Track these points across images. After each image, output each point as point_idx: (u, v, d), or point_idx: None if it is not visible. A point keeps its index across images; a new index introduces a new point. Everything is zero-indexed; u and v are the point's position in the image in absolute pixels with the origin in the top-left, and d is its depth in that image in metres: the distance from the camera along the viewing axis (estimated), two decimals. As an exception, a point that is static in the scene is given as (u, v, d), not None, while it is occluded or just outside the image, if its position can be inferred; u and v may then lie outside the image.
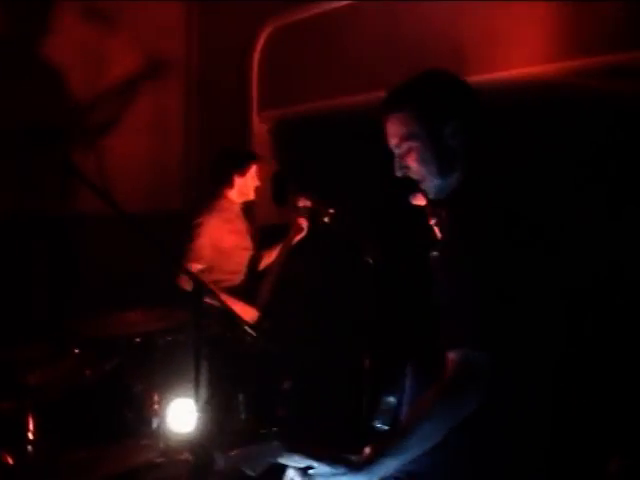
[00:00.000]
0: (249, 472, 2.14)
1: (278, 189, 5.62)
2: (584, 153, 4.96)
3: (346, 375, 4.41)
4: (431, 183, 2.31)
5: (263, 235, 5.32)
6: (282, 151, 6.44)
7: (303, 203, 4.96)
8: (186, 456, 4.27)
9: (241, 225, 5.17)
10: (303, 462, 2.07)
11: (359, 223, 4.50)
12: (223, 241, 4.98)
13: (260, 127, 6.45)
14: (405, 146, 2.28)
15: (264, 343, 4.60)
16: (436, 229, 3.26)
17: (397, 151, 2.32)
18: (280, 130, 6.46)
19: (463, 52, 4.94)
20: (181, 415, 4.51)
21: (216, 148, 5.91)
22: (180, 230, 4.95)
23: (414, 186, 2.47)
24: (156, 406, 4.50)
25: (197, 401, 4.46)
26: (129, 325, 4.54)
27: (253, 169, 5.11)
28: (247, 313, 4.83)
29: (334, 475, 2.03)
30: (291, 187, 5.09)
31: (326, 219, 4.76)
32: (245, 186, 5.10)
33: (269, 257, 5.17)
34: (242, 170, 5.07)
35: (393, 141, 2.32)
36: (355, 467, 2.01)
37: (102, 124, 6.15)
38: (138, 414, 4.51)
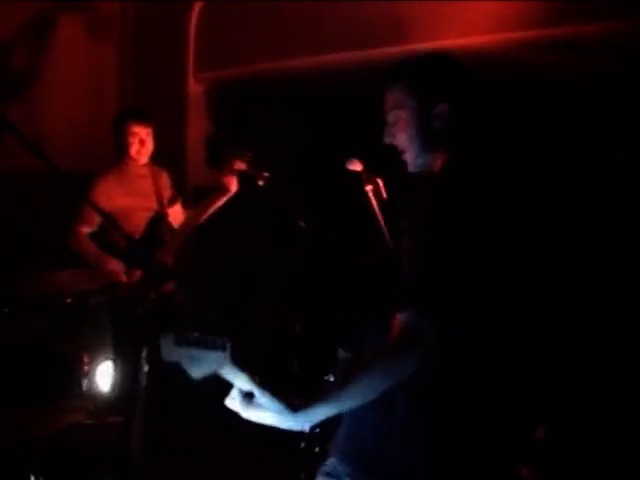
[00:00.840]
0: (191, 373, 2.08)
1: (212, 151, 5.60)
2: (524, 126, 5.06)
3: (273, 339, 4.42)
4: (411, 156, 2.35)
5: (197, 197, 5.22)
6: (218, 113, 6.39)
7: (238, 166, 4.82)
8: (114, 418, 4.32)
9: (142, 186, 5.05)
10: (247, 385, 2.08)
11: (294, 187, 4.48)
12: (113, 203, 4.84)
13: (196, 88, 6.40)
14: (394, 115, 2.35)
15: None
16: (370, 195, 3.31)
17: (388, 119, 2.37)
18: (216, 92, 6.40)
19: (404, 19, 4.95)
20: (110, 376, 4.53)
21: (151, 110, 5.86)
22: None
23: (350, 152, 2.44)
24: (86, 367, 4.49)
25: (119, 364, 4.54)
26: (60, 285, 4.53)
27: (131, 129, 4.95)
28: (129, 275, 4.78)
29: (271, 410, 2.08)
30: (225, 150, 5.03)
31: (260, 182, 4.73)
32: (129, 148, 4.97)
33: (182, 215, 5.09)
34: (119, 135, 4.98)
35: (386, 109, 2.38)
36: (292, 408, 2.06)
37: (36, 83, 6.03)
38: (68, 375, 4.48)
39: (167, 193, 5.13)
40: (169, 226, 5.06)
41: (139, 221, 4.93)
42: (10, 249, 5.44)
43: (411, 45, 4.93)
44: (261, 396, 2.08)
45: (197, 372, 2.07)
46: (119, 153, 5.01)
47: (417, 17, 4.91)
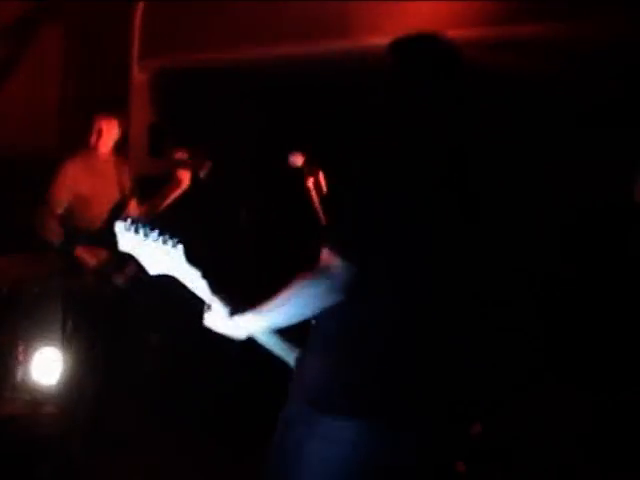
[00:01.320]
0: (146, 267, 2.27)
1: (154, 140, 5.57)
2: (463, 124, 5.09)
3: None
4: None
5: (138, 186, 5.18)
6: (162, 102, 6.34)
7: (180, 155, 4.88)
8: (50, 409, 4.27)
9: (107, 173, 5.02)
10: (197, 284, 2.30)
11: (236, 177, 4.48)
12: (80, 186, 4.87)
13: (140, 76, 6.32)
14: None
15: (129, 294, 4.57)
16: (312, 191, 3.30)
17: None
18: (161, 80, 6.35)
19: (349, 15, 4.98)
20: (47, 366, 4.47)
21: (94, 96, 5.81)
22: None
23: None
24: (21, 357, 4.42)
25: (63, 352, 4.49)
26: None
27: (103, 121, 4.97)
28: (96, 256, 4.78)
29: (218, 314, 2.34)
30: (168, 139, 5.01)
31: (202, 172, 4.80)
32: (95, 139, 4.97)
33: (137, 207, 5.08)
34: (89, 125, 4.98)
35: None
36: (232, 311, 2.32)
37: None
38: (2, 365, 4.42)
39: (127, 183, 5.10)
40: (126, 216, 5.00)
41: (101, 207, 4.91)
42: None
43: (355, 41, 4.98)
44: (211, 298, 2.32)
45: (153, 267, 2.25)
46: (87, 142, 5.00)
47: (363, 13, 4.91)
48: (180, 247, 2.24)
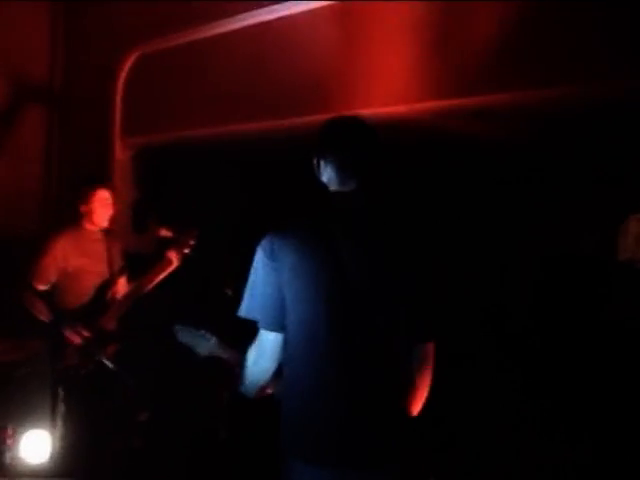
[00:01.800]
0: (196, 353, 3.05)
1: (138, 217, 5.61)
2: (440, 192, 5.19)
3: (205, 408, 4.44)
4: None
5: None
6: (144, 179, 6.40)
7: (164, 233, 4.95)
8: (39, 490, 4.26)
9: (96, 249, 5.02)
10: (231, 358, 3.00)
11: (220, 254, 4.53)
12: (68, 263, 4.88)
13: (123, 153, 6.36)
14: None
15: (119, 374, 4.58)
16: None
17: None
18: (143, 157, 6.40)
19: (325, 90, 5.06)
20: (35, 447, 4.47)
21: (77, 173, 5.84)
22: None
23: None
24: (9, 440, 4.41)
25: (52, 432, 4.49)
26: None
27: (99, 197, 4.98)
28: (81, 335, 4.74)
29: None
30: (152, 216, 5.06)
31: (186, 250, 4.88)
32: (93, 214, 4.98)
33: (127, 285, 5.09)
34: (84, 199, 4.97)
35: None
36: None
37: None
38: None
39: (118, 262, 5.11)
40: (114, 294, 5.04)
41: (89, 283, 4.93)
42: None
43: (330, 114, 5.00)
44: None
45: (200, 352, 3.04)
46: (77, 216, 4.99)
47: (337, 88, 4.99)
48: (214, 340, 3.04)
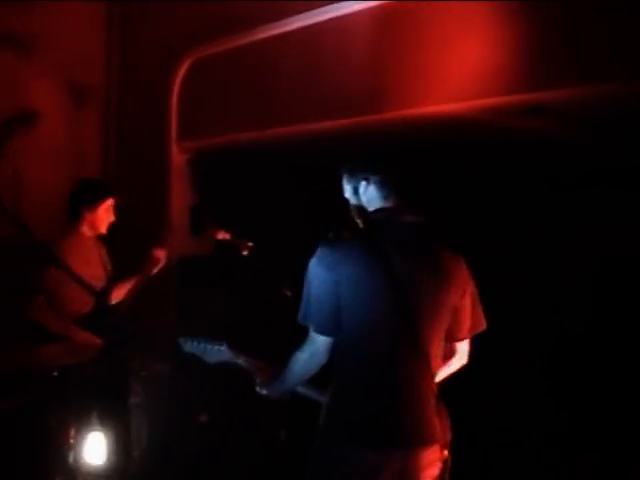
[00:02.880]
0: (205, 359, 3.38)
1: (195, 220, 5.62)
2: (498, 191, 5.15)
3: (264, 409, 4.44)
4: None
5: (181, 267, 5.24)
6: (201, 182, 6.44)
7: (222, 235, 4.84)
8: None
9: (93, 256, 5.01)
10: (243, 364, 3.38)
11: (278, 256, 4.53)
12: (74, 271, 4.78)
13: (179, 158, 6.42)
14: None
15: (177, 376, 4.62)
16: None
17: None
18: (199, 161, 6.45)
19: (383, 88, 5.07)
20: (97, 448, 4.58)
21: (134, 178, 5.95)
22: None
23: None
24: (72, 440, 4.51)
25: (110, 434, 4.55)
26: (44, 358, 4.56)
27: (106, 204, 4.95)
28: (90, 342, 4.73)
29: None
30: (209, 219, 5.07)
31: (245, 252, 4.77)
32: (96, 221, 4.94)
33: (123, 287, 5.09)
34: (92, 206, 4.90)
35: None
36: (261, 383, 3.36)
37: (20, 151, 6.08)
38: (54, 450, 4.50)
39: (109, 267, 5.11)
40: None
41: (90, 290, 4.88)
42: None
43: (390, 113, 5.08)
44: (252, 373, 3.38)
45: (211, 359, 3.39)
46: (75, 223, 4.93)
47: (393, 87, 5.00)
48: (225, 346, 3.42)
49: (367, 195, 3.18)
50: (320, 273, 3.05)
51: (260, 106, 5.76)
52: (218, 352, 3.38)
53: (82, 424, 4.62)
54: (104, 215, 4.94)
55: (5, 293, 5.31)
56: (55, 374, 4.54)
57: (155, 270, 5.05)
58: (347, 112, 5.25)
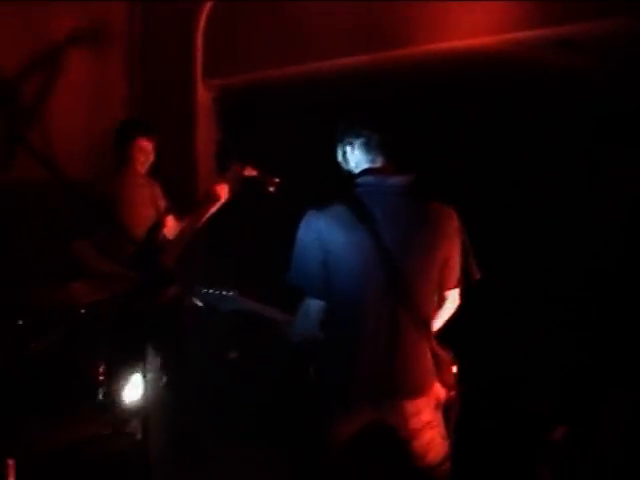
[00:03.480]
0: (219, 309, 3.38)
1: (222, 158, 5.59)
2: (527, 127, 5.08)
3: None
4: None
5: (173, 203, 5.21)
6: (227, 120, 6.38)
7: (249, 172, 4.95)
8: (133, 427, 4.36)
9: (144, 194, 5.05)
10: (255, 309, 3.41)
11: (304, 193, 4.50)
12: (123, 210, 4.86)
13: (205, 95, 6.36)
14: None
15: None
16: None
17: None
18: (225, 98, 6.39)
19: (409, 22, 5.00)
20: (128, 386, 4.58)
21: (159, 117, 5.90)
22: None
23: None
24: (102, 378, 4.54)
25: (144, 372, 4.56)
26: (73, 295, 4.58)
27: (137, 144, 4.99)
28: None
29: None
30: (235, 156, 5.05)
31: (271, 188, 4.87)
32: (131, 161, 5.00)
33: (175, 225, 5.09)
34: (123, 146, 5.01)
35: None
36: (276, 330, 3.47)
37: (41, 90, 6.03)
38: (84, 386, 4.53)
39: (162, 203, 5.15)
40: (164, 235, 5.06)
41: (142, 227, 4.94)
42: (23, 262, 5.47)
43: (417, 47, 5.04)
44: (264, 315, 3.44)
45: (223, 307, 3.35)
46: (120, 163, 5.03)
47: (423, 19, 4.94)
48: (232, 292, 3.40)
49: (354, 159, 3.28)
50: (307, 239, 3.19)
51: (286, 42, 5.69)
52: (230, 300, 3.38)
53: (113, 361, 4.63)
54: (137, 154, 4.99)
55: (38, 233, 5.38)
56: (83, 311, 4.55)
57: (215, 207, 5.01)
58: (375, 47, 5.19)
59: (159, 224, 5.03)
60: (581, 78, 4.72)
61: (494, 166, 5.08)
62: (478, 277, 3.35)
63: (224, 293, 3.36)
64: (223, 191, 4.97)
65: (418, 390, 3.19)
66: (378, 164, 3.25)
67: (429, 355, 3.22)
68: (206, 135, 6.05)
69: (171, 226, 5.08)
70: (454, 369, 3.38)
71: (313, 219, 3.20)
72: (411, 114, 4.81)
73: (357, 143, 3.25)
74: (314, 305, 3.24)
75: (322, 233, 3.15)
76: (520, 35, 4.64)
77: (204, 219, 5.02)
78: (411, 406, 3.17)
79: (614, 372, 4.55)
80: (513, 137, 5.07)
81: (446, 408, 3.32)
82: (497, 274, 4.62)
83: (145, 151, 5.03)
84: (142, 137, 5.01)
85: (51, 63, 6.07)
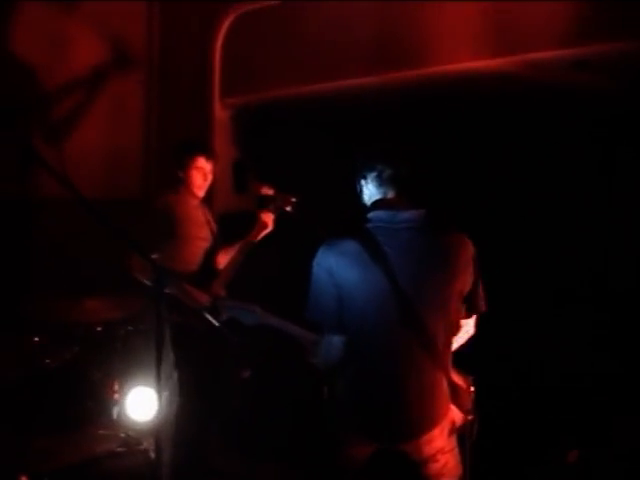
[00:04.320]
0: (244, 322, 3.32)
1: (238, 177, 5.60)
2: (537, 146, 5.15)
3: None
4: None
5: (222, 224, 5.21)
6: (244, 138, 6.42)
7: (265, 191, 4.93)
8: (146, 445, 4.35)
9: (199, 216, 5.00)
10: (278, 325, 3.29)
11: (321, 212, 4.55)
12: (175, 228, 4.79)
13: (222, 114, 6.38)
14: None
15: (223, 332, 4.59)
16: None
17: None
18: (242, 117, 6.43)
19: (422, 42, 5.05)
20: (141, 404, 4.60)
21: (177, 135, 5.90)
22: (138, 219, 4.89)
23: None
24: (116, 395, 4.57)
25: (157, 390, 4.54)
26: (89, 313, 4.57)
27: (196, 164, 4.91)
28: (200, 299, 4.69)
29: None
30: (252, 175, 5.04)
31: (288, 208, 4.87)
32: (189, 182, 4.93)
33: (228, 251, 5.01)
34: (182, 166, 4.93)
35: None
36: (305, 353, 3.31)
37: (61, 109, 6.13)
38: (98, 403, 4.57)
39: (215, 228, 5.11)
40: (218, 261, 5.03)
41: (196, 249, 4.90)
42: (41, 278, 5.49)
43: (429, 68, 5.08)
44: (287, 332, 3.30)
45: (246, 322, 3.30)
46: (177, 183, 4.96)
47: (435, 40, 4.99)
48: (258, 309, 3.29)
49: (368, 192, 3.29)
50: (319, 275, 3.20)
51: (303, 61, 5.73)
52: (252, 315, 3.32)
53: (127, 379, 4.65)
54: (195, 176, 4.92)
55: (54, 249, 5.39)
56: (99, 329, 4.56)
57: (262, 235, 4.95)
58: (389, 66, 5.21)
59: (215, 247, 5.00)
60: (597, 94, 4.77)
61: (513, 187, 5.15)
62: (484, 310, 3.34)
63: (248, 309, 3.33)
64: (269, 219, 4.92)
65: (432, 423, 3.19)
66: (391, 196, 3.24)
67: (445, 386, 3.23)
68: (223, 154, 6.04)
69: (223, 254, 5.03)
70: (472, 392, 3.42)
71: (324, 255, 3.21)
72: (428, 137, 4.85)
73: (370, 177, 3.25)
74: (336, 341, 3.22)
75: (332, 270, 3.16)
76: (533, 56, 4.66)
77: (249, 247, 4.93)
78: (425, 436, 3.17)
79: (626, 394, 4.60)
80: (534, 158, 5.14)
81: (462, 434, 3.35)
82: (517, 292, 4.70)
83: (203, 172, 4.94)
84: (201, 157, 4.94)
85: (75, 83, 6.16)
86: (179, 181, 4.94)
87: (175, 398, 4.68)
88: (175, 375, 4.70)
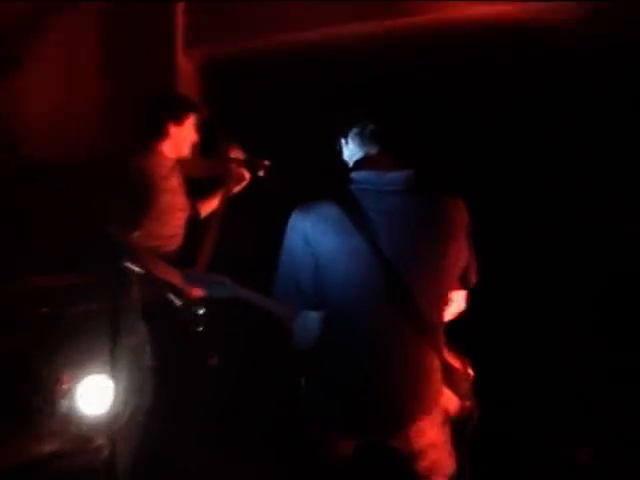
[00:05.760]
0: (211, 295, 3.19)
1: (206, 138, 5.31)
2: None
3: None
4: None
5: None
6: (211, 94, 6.10)
7: (235, 154, 4.64)
8: (100, 443, 4.16)
9: (175, 182, 4.60)
10: (247, 297, 3.12)
11: (296, 176, 4.35)
12: (155, 198, 4.38)
13: (187, 65, 6.08)
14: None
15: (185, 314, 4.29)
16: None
17: None
18: (210, 69, 6.13)
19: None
20: (94, 395, 4.34)
21: (136, 90, 5.63)
22: (94, 185, 4.60)
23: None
24: (65, 386, 4.34)
25: (113, 379, 4.24)
26: (35, 292, 4.40)
27: (190, 120, 4.58)
28: (172, 278, 4.31)
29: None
30: (221, 136, 4.74)
31: (261, 173, 4.64)
32: (181, 139, 4.56)
33: (204, 209, 4.76)
34: (179, 120, 4.54)
35: None
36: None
37: (4, 58, 5.75)
38: (43, 395, 4.35)
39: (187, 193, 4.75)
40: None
41: (176, 222, 4.54)
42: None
43: (423, 16, 4.95)
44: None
45: (217, 294, 3.14)
46: (153, 140, 4.54)
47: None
48: (228, 279, 3.10)
49: (348, 152, 3.17)
50: (293, 245, 3.02)
51: (279, 8, 5.48)
52: (221, 287, 3.14)
53: (78, 367, 4.37)
54: (188, 132, 4.59)
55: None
56: (45, 310, 4.26)
57: (238, 189, 4.68)
58: (369, 15, 5.10)
59: (195, 217, 4.71)
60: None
61: (511, 152, 5.03)
62: (475, 282, 3.20)
63: (217, 282, 3.16)
64: (246, 174, 4.66)
65: (422, 411, 3.04)
66: (374, 155, 3.12)
67: (438, 369, 3.08)
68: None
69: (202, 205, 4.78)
70: (470, 375, 3.27)
71: (299, 219, 3.02)
72: (415, 93, 4.81)
73: (351, 134, 3.13)
74: (312, 318, 3.04)
75: (308, 236, 2.97)
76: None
77: (225, 203, 4.59)
78: (414, 427, 3.03)
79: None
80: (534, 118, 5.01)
81: (459, 421, 3.21)
82: (520, 281, 4.81)
83: (194, 130, 4.64)
84: (198, 112, 4.66)
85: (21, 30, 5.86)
86: (161, 139, 4.53)
87: (146, 389, 4.36)
88: (145, 362, 4.37)
